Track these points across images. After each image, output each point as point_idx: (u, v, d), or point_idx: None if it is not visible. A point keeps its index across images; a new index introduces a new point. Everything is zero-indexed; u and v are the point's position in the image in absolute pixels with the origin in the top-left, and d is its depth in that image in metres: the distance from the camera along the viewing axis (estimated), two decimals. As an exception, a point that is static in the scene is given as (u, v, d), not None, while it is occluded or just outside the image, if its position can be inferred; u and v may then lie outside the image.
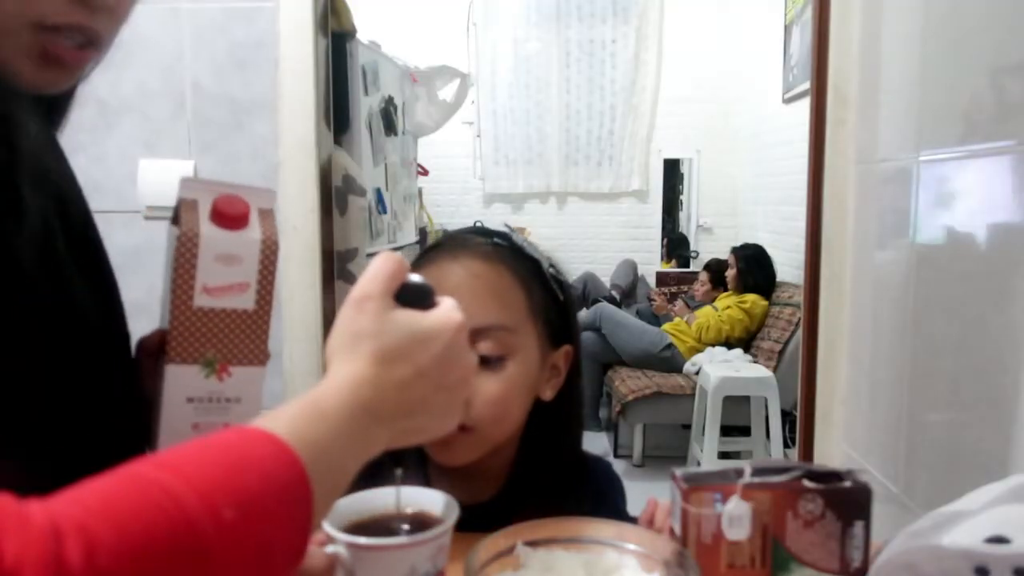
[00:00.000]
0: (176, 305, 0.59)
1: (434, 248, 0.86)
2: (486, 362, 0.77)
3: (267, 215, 0.63)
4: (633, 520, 0.76)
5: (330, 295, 1.82)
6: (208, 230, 0.60)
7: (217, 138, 1.67)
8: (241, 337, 0.61)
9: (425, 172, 3.89)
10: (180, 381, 0.60)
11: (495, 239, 0.84)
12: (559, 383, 0.84)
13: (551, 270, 0.86)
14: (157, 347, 0.64)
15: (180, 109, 1.67)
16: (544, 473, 0.83)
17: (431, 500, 0.61)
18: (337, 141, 1.95)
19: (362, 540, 0.54)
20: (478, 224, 5.28)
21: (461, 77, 3.37)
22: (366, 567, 0.54)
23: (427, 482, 0.77)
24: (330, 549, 0.55)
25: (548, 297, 0.83)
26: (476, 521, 0.64)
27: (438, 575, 0.56)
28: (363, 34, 2.35)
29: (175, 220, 0.62)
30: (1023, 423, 0.94)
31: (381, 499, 0.61)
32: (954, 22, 1.14)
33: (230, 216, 0.61)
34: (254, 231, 0.61)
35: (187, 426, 0.61)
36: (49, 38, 0.58)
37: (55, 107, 0.71)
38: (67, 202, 0.68)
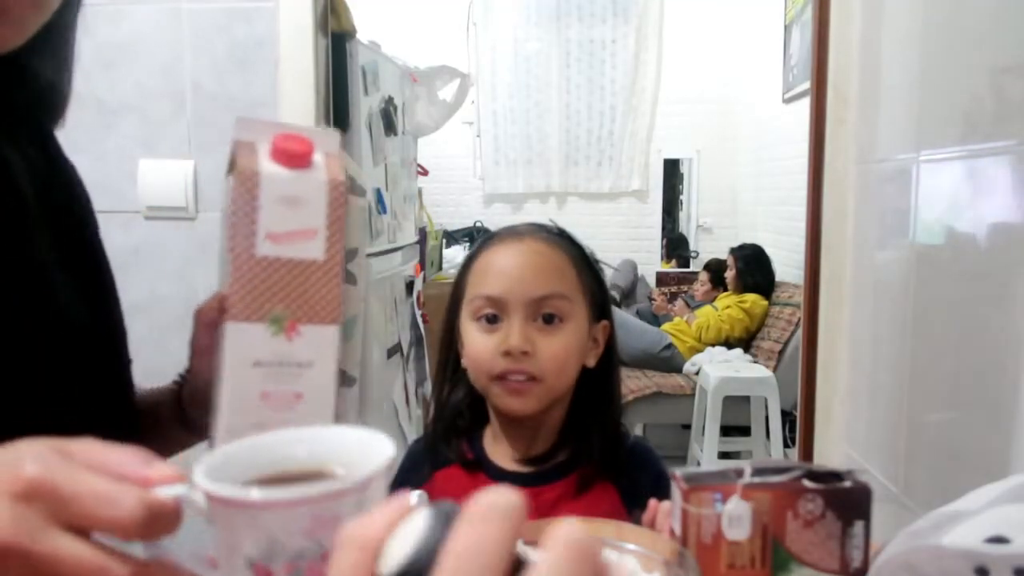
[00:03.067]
0: (237, 255, 0.52)
1: (494, 237, 0.98)
2: (549, 322, 0.90)
3: (332, 158, 0.55)
4: None
5: (330, 295, 1.82)
6: (269, 168, 0.53)
7: (217, 138, 1.67)
8: (311, 291, 0.53)
9: (425, 172, 3.89)
10: (244, 341, 0.53)
11: (550, 230, 0.99)
12: (599, 353, 0.96)
13: (592, 256, 1.01)
14: (216, 313, 0.56)
15: (180, 109, 1.67)
16: (591, 439, 0.93)
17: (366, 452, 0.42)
18: (337, 141, 1.96)
19: (209, 487, 0.38)
20: (478, 224, 5.30)
21: (461, 77, 3.37)
22: (215, 523, 0.39)
23: (480, 436, 0.96)
24: (173, 491, 0.40)
25: (592, 277, 0.97)
26: (534, 473, 0.90)
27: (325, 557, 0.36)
28: (363, 34, 2.35)
29: (231, 168, 0.56)
30: (1023, 423, 0.94)
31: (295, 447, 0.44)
32: (954, 22, 1.14)
33: (293, 153, 0.54)
34: (319, 172, 0.54)
35: (255, 394, 0.53)
36: None
37: (50, 103, 0.70)
38: (58, 202, 0.68)
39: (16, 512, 0.38)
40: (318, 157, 0.55)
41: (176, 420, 0.72)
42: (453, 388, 0.99)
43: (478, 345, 0.91)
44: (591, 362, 0.95)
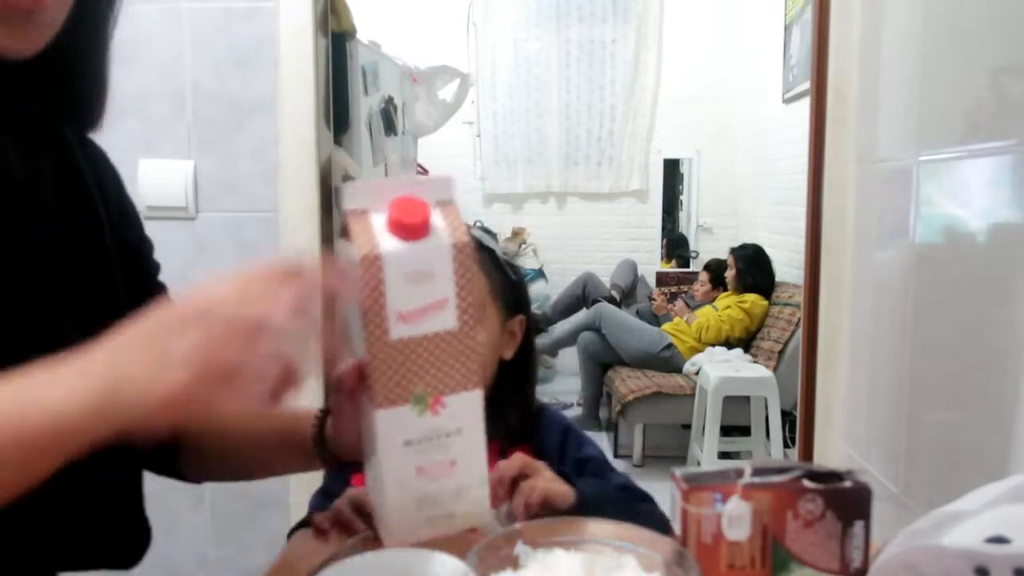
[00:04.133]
0: (371, 342, 0.51)
1: None
2: None
3: (448, 209, 0.54)
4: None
5: (330, 295, 1.82)
6: (390, 246, 0.51)
7: (217, 138, 1.67)
8: (449, 362, 0.53)
9: (425, 172, 3.90)
10: (393, 426, 0.53)
11: None
12: (516, 344, 1.03)
13: (504, 257, 1.06)
14: (355, 381, 0.57)
15: (180, 109, 1.67)
16: (509, 415, 1.00)
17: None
18: (337, 141, 1.96)
19: None
20: (478, 223, 5.29)
21: (461, 77, 3.37)
22: None
23: None
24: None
25: (503, 279, 1.03)
26: None
27: None
28: (363, 34, 2.35)
29: (344, 234, 0.54)
30: (1023, 423, 0.94)
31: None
32: (954, 22, 1.14)
33: (411, 226, 0.52)
34: (441, 236, 0.52)
35: (412, 470, 0.54)
36: None
37: (79, 110, 0.69)
38: (68, 213, 0.67)
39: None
40: (436, 218, 0.53)
41: (309, 451, 0.73)
42: None
43: None
44: (508, 354, 1.03)
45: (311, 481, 1.84)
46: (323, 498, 0.96)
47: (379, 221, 0.52)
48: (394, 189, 0.53)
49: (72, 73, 0.65)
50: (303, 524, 0.93)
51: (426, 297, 0.52)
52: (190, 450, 0.75)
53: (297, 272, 0.50)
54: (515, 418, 1.01)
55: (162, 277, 0.81)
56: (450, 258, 0.52)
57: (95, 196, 0.71)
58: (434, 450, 0.54)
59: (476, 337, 0.53)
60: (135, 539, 0.71)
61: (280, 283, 0.49)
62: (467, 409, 0.54)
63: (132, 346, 0.48)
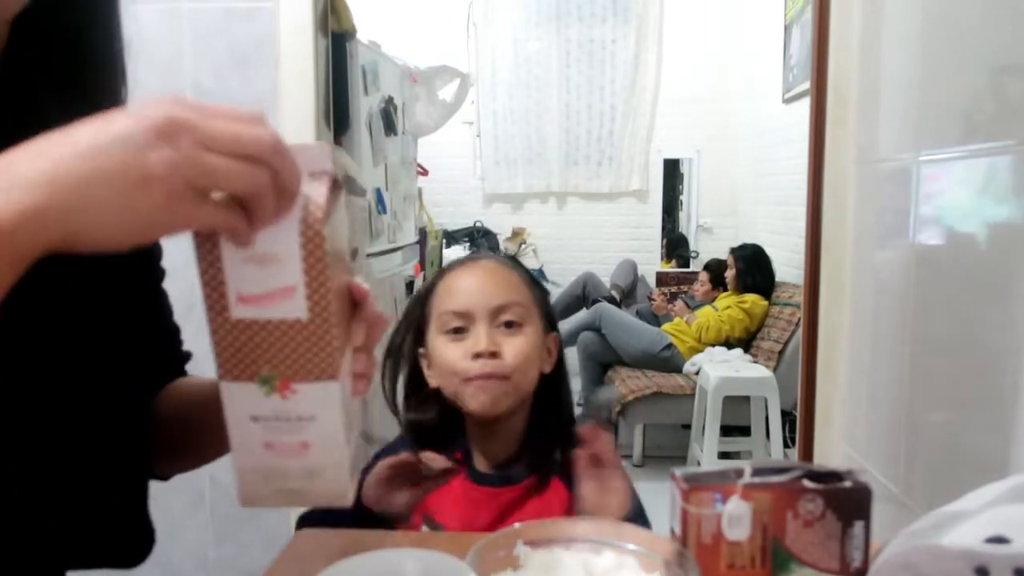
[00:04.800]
0: (212, 318, 0.48)
1: (449, 265, 1.08)
2: (509, 327, 0.99)
3: (315, 186, 0.48)
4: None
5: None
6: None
7: (217, 138, 1.67)
8: (300, 350, 0.49)
9: (425, 172, 3.90)
10: (238, 400, 0.51)
11: (500, 256, 1.11)
12: (552, 362, 1.06)
13: (537, 278, 1.12)
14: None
15: (180, 109, 1.67)
16: (549, 438, 1.02)
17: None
18: (337, 141, 1.96)
19: None
20: (478, 224, 5.30)
21: (461, 77, 3.37)
22: None
23: (465, 440, 1.02)
24: None
25: (541, 294, 1.08)
26: (500, 476, 0.99)
27: None
28: (363, 34, 2.35)
29: None
30: (1023, 423, 0.94)
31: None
32: (954, 22, 1.14)
33: None
34: (292, 217, 0.47)
35: (259, 445, 0.52)
36: None
37: (98, 80, 0.66)
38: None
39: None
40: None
41: None
42: (419, 407, 1.05)
43: (448, 354, 0.99)
44: (546, 368, 1.04)
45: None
46: None
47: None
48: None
49: (86, 64, 0.63)
50: (309, 517, 0.94)
51: (271, 282, 0.47)
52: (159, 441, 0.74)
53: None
54: (554, 447, 1.02)
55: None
56: (298, 244, 0.47)
57: None
58: (284, 431, 0.51)
59: (332, 329, 0.49)
60: (140, 539, 0.70)
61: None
62: (322, 398, 0.51)
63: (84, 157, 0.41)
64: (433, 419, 1.03)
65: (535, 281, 1.08)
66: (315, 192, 0.48)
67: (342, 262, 0.52)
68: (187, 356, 0.80)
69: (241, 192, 0.44)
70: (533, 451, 1.02)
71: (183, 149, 0.41)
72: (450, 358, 0.98)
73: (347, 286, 0.53)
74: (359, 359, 0.55)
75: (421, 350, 1.05)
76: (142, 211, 0.42)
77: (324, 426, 0.51)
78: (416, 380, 1.06)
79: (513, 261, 1.10)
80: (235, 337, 0.48)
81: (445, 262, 4.46)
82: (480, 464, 1.02)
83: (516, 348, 0.98)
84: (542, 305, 1.06)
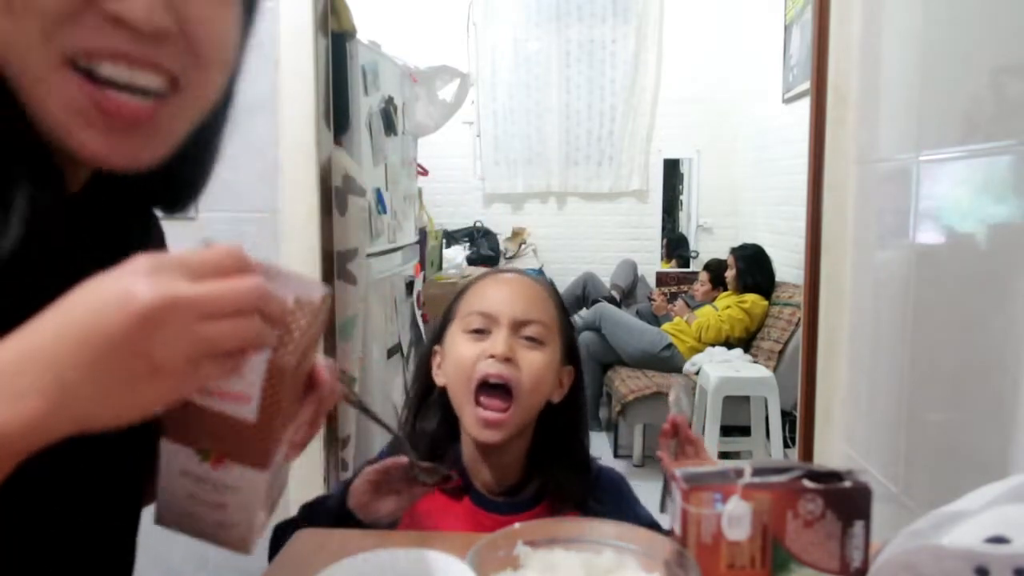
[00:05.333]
0: None
1: (485, 273, 1.09)
2: (531, 341, 0.99)
3: (299, 315, 0.51)
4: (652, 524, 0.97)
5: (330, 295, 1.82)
6: None
7: (217, 138, 1.67)
8: (243, 439, 0.52)
9: (425, 172, 3.89)
10: (174, 456, 0.54)
11: (534, 275, 1.10)
12: (563, 393, 1.04)
13: (566, 307, 1.11)
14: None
15: (180, 109, 1.67)
16: (557, 466, 1.02)
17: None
18: (337, 141, 1.96)
19: None
20: (478, 224, 5.30)
21: (461, 77, 3.37)
22: None
23: (463, 468, 1.00)
24: None
25: (567, 323, 1.07)
26: (509, 503, 0.99)
27: None
28: (363, 34, 2.35)
29: None
30: (1023, 423, 0.94)
31: None
32: (954, 22, 1.14)
33: None
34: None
35: (184, 493, 0.55)
36: (96, 90, 0.50)
37: (171, 183, 0.66)
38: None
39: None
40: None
41: None
42: (424, 414, 1.06)
43: (464, 350, 0.99)
44: (555, 398, 1.03)
45: (310, 480, 1.84)
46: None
47: None
48: (267, 270, 0.51)
49: (183, 167, 0.64)
50: (291, 524, 0.93)
51: (230, 386, 0.50)
52: None
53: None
54: (566, 475, 1.01)
55: None
56: (263, 373, 0.50)
57: None
58: (207, 491, 0.55)
59: (274, 433, 0.53)
60: (122, 566, 0.70)
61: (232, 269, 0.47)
62: (249, 479, 0.54)
63: (89, 364, 0.42)
64: (433, 428, 1.03)
65: (565, 311, 1.08)
66: (294, 324, 0.51)
67: (309, 361, 0.56)
68: None
69: (235, 349, 0.46)
70: (541, 479, 1.02)
71: (179, 333, 0.43)
72: (465, 354, 0.98)
73: (306, 375, 0.56)
74: (301, 429, 0.58)
75: (436, 347, 1.06)
76: (151, 395, 0.44)
77: (244, 497, 0.55)
78: (422, 380, 1.07)
79: (551, 286, 1.10)
80: (186, 413, 0.51)
81: (445, 262, 4.46)
82: (479, 486, 1.02)
83: (533, 361, 0.98)
84: (566, 333, 1.05)
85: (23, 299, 0.48)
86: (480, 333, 0.99)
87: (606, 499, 1.01)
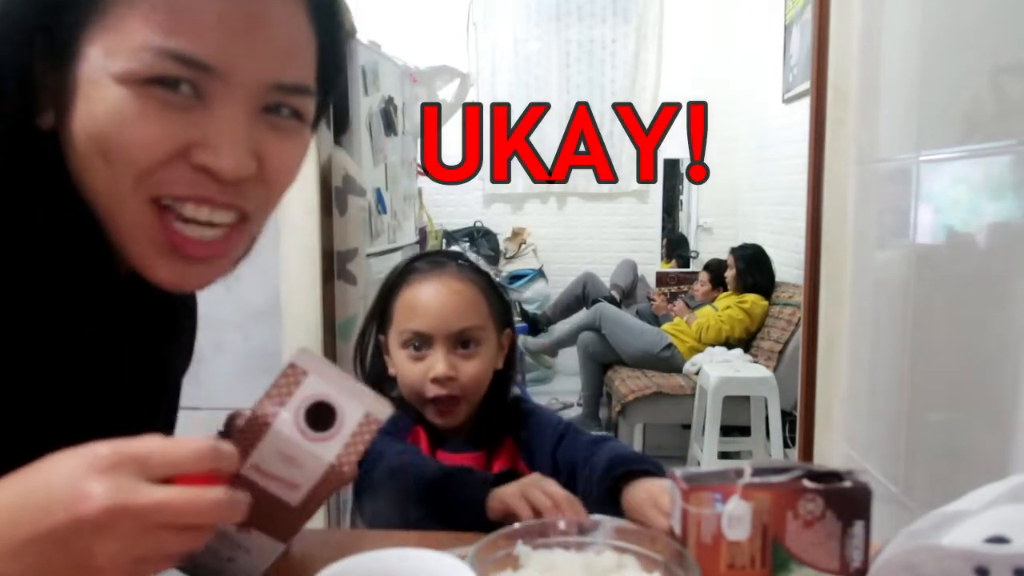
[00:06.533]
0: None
1: (414, 269, 1.11)
2: (466, 347, 1.06)
3: (363, 428, 0.57)
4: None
5: (330, 295, 1.82)
6: (282, 425, 0.55)
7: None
8: (275, 517, 0.57)
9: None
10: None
11: (460, 261, 1.13)
12: (504, 354, 1.13)
13: (497, 279, 1.17)
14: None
15: (180, 109, 1.67)
16: (496, 411, 1.11)
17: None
18: (337, 141, 1.96)
19: None
20: (478, 224, 5.30)
21: (461, 77, 3.38)
22: None
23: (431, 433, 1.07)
24: None
25: (497, 299, 1.12)
26: (454, 446, 1.07)
27: None
28: (363, 34, 2.35)
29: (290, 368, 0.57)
30: (1023, 423, 0.94)
31: None
32: (954, 22, 1.14)
33: (313, 425, 0.56)
34: (329, 450, 0.56)
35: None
36: (174, 226, 0.54)
37: None
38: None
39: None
40: (344, 429, 0.56)
41: None
42: (379, 386, 1.11)
43: (408, 372, 1.06)
44: (499, 364, 1.12)
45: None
46: None
47: (299, 397, 0.56)
48: (332, 386, 0.56)
49: None
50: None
51: (285, 474, 0.55)
52: None
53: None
54: (495, 418, 1.11)
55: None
56: (321, 472, 0.56)
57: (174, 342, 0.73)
58: (221, 545, 0.58)
59: (310, 514, 0.58)
60: None
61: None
62: (267, 548, 0.59)
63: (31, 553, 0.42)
64: (393, 399, 1.08)
65: (493, 287, 1.12)
66: (358, 437, 0.56)
67: None
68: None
69: (184, 554, 0.47)
70: (478, 432, 1.10)
71: (127, 538, 0.43)
72: (410, 377, 1.05)
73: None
74: None
75: (382, 337, 1.11)
76: None
77: (255, 559, 0.60)
78: (378, 359, 1.13)
79: (473, 271, 1.12)
80: (232, 481, 0.53)
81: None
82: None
83: (472, 370, 1.05)
84: (498, 311, 1.11)
85: (72, 377, 0.52)
86: (418, 350, 1.05)
87: (533, 430, 1.10)
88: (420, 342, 1.05)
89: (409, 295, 1.08)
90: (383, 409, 0.58)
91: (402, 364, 1.07)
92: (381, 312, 1.13)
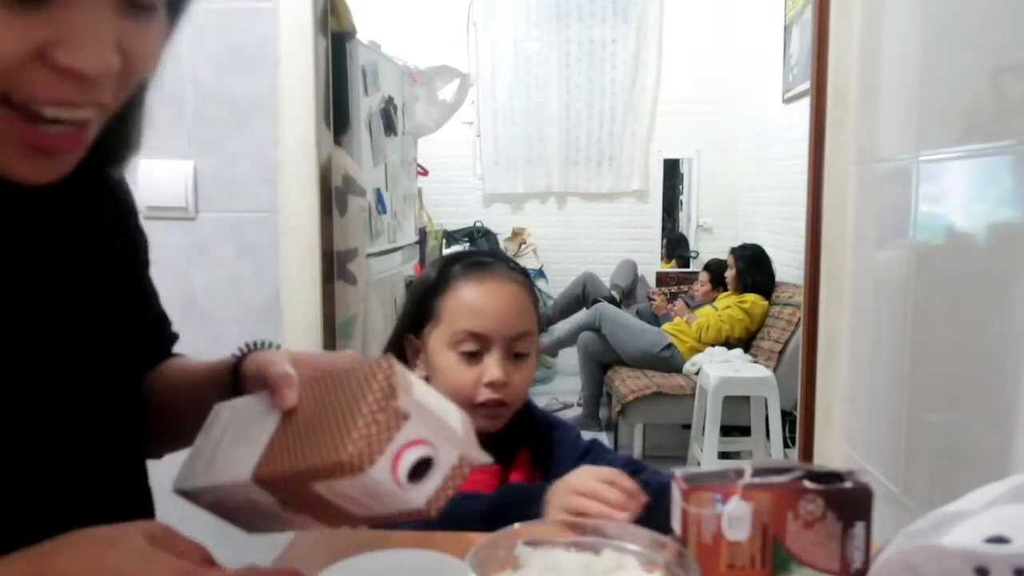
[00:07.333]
0: (300, 472, 0.55)
1: (469, 270, 1.05)
2: (519, 357, 1.03)
3: (455, 472, 0.56)
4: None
5: (330, 295, 1.82)
6: (379, 474, 0.53)
7: (217, 138, 1.67)
8: (327, 513, 0.57)
9: (425, 172, 3.89)
10: (244, 489, 0.58)
11: (511, 265, 1.11)
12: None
13: (535, 288, 1.16)
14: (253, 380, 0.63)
15: (180, 109, 1.67)
16: (514, 421, 1.07)
17: None
18: (337, 141, 1.95)
19: None
20: (478, 224, 5.31)
21: (461, 77, 3.37)
22: None
23: None
24: None
25: (537, 304, 1.10)
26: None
27: None
28: (363, 34, 2.35)
29: (389, 396, 0.55)
30: (1023, 423, 0.94)
31: None
32: (954, 22, 1.14)
33: (405, 472, 0.54)
34: (421, 494, 0.55)
35: (235, 501, 0.61)
36: (34, 126, 0.51)
37: (111, 155, 0.67)
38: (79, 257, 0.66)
39: None
40: (435, 475, 0.55)
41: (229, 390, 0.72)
42: None
43: (457, 374, 1.01)
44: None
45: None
46: None
47: (405, 437, 0.54)
48: (440, 424, 0.55)
49: (122, 124, 0.64)
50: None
51: (362, 502, 0.54)
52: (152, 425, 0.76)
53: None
54: (513, 429, 1.06)
55: (162, 277, 0.81)
56: (401, 511, 0.55)
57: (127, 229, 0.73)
58: (263, 513, 0.59)
59: (366, 522, 0.59)
60: (141, 512, 0.73)
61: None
62: (310, 526, 0.60)
63: None
64: None
65: (535, 293, 1.11)
66: (449, 482, 0.55)
67: None
68: (175, 337, 0.85)
69: None
70: (495, 443, 1.07)
71: None
72: (458, 379, 1.00)
73: None
74: None
75: (410, 336, 1.07)
76: None
77: (292, 528, 0.61)
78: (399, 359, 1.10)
79: (525, 279, 1.10)
80: (299, 490, 0.55)
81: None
82: None
83: (523, 379, 1.03)
84: (539, 320, 1.10)
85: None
86: (473, 356, 1.01)
87: (555, 444, 1.07)
88: (475, 346, 1.00)
89: (467, 294, 1.03)
90: (477, 456, 0.57)
91: (450, 366, 1.02)
92: (417, 311, 1.07)
